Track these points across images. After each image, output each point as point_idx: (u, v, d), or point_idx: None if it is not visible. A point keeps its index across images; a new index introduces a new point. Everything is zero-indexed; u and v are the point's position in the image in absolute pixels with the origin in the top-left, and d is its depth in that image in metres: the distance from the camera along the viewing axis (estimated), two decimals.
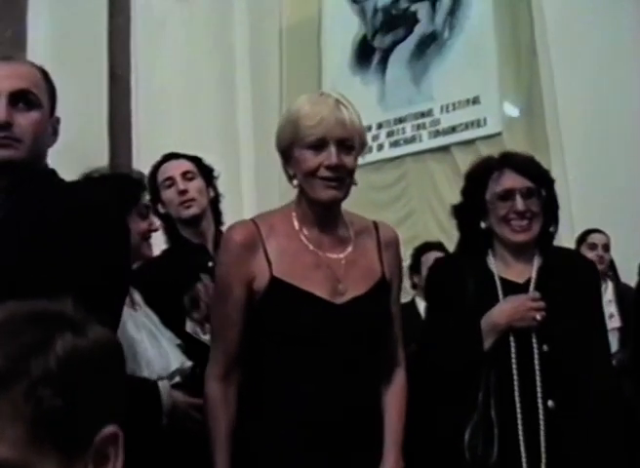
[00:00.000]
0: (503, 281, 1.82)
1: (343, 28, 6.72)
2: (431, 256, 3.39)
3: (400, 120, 6.24)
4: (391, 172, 6.20)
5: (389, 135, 6.28)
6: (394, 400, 1.64)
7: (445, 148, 5.95)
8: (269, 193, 5.56)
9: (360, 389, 1.53)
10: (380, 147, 6.31)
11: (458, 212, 1.93)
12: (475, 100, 5.78)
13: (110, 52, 5.71)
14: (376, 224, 1.72)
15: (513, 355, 1.73)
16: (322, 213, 1.62)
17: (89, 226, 1.34)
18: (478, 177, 1.87)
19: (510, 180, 1.80)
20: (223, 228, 2.20)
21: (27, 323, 0.70)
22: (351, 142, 1.55)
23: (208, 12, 6.57)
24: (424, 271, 3.44)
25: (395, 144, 6.25)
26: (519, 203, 1.77)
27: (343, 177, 1.56)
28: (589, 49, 4.97)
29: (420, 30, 6.31)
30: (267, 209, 1.77)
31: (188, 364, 1.87)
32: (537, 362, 1.72)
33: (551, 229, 1.86)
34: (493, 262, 1.85)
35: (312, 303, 1.54)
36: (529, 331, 1.73)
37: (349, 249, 1.63)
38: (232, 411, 1.56)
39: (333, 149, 1.52)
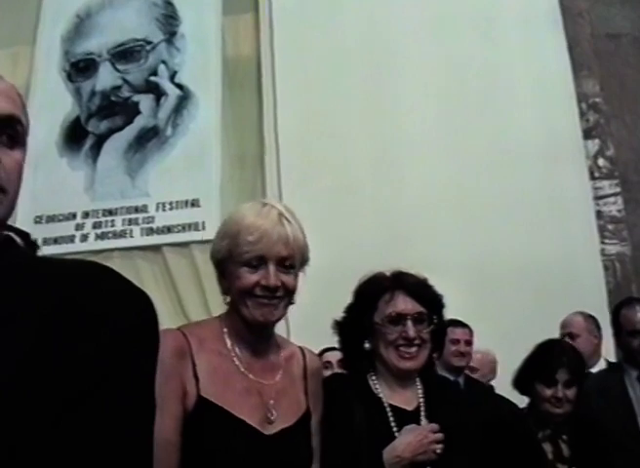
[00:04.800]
0: (393, 408, 1.74)
1: (54, 104, 6.17)
2: None
3: (110, 212, 5.81)
4: None
5: (96, 226, 5.80)
6: None
7: (157, 248, 5.61)
8: None
9: None
10: (85, 238, 5.78)
11: (341, 329, 1.84)
12: (194, 203, 5.59)
13: None
14: (302, 351, 1.67)
15: None
16: (256, 333, 1.54)
17: None
18: (369, 296, 1.81)
19: (402, 304, 1.76)
20: None
21: None
22: (292, 261, 1.50)
23: None
24: None
25: (102, 237, 5.76)
26: (410, 329, 1.73)
27: (281, 297, 1.49)
28: (323, 169, 5.20)
29: (140, 122, 6.05)
30: None
31: None
32: None
33: (434, 355, 1.84)
34: (377, 386, 1.78)
35: (244, 432, 1.43)
36: (424, 464, 1.67)
37: (279, 375, 1.56)
38: None
39: (271, 268, 1.46)
